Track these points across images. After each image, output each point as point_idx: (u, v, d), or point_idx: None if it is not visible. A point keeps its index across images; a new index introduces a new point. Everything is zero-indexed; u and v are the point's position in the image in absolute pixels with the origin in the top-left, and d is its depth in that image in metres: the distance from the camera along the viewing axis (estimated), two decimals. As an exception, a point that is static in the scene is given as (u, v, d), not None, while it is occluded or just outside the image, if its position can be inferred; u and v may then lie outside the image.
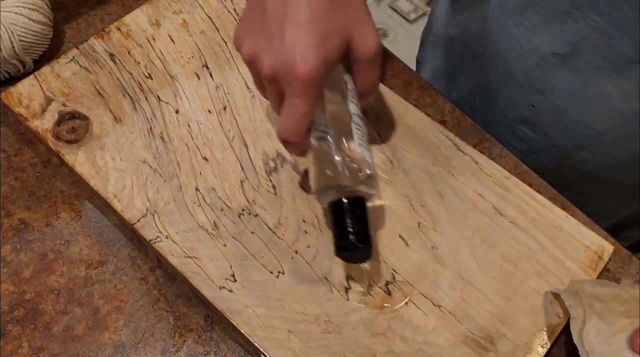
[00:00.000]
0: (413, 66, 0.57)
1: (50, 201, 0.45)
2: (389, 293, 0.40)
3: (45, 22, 0.49)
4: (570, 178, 0.55)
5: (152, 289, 0.42)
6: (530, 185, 0.46)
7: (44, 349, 0.40)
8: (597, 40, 0.45)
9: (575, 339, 0.36)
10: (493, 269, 0.41)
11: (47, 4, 0.50)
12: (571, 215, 0.44)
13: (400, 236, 0.42)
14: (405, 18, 1.57)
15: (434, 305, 0.40)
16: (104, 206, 0.44)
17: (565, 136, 0.54)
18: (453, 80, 0.64)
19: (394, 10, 1.58)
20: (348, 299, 0.40)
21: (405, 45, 1.52)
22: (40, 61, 0.51)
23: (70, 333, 0.40)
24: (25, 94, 0.47)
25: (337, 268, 0.41)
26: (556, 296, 0.39)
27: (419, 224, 0.43)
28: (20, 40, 0.47)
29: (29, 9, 0.47)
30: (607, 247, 0.42)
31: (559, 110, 0.52)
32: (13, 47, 0.47)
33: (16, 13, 0.47)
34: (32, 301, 0.41)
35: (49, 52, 0.51)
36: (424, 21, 1.55)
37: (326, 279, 0.40)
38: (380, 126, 0.47)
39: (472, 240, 0.42)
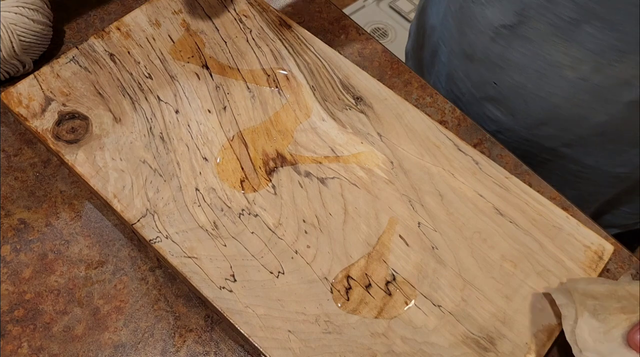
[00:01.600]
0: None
1: (50, 201, 0.45)
2: (389, 293, 0.40)
3: (45, 22, 0.49)
4: (539, 158, 0.56)
5: (152, 289, 0.42)
6: (530, 185, 0.46)
7: (44, 349, 0.40)
8: (540, 6, 0.46)
9: (568, 337, 0.36)
10: (493, 269, 0.41)
11: (47, 4, 0.50)
12: (572, 215, 0.44)
13: (400, 235, 0.42)
14: (405, 18, 1.57)
15: (434, 305, 0.40)
16: (104, 206, 0.44)
17: (527, 112, 0.54)
18: (431, 68, 0.66)
19: (394, 10, 1.58)
20: (349, 299, 0.40)
21: (405, 45, 1.53)
22: (40, 61, 0.51)
23: (70, 333, 0.40)
24: (25, 94, 0.47)
25: (337, 268, 0.41)
26: (549, 295, 0.39)
27: (419, 224, 0.43)
28: (20, 40, 0.47)
29: (29, 9, 0.47)
30: (607, 247, 0.42)
31: (519, 85, 0.52)
32: (13, 47, 0.47)
33: (16, 13, 0.47)
34: (32, 301, 0.41)
35: (49, 52, 0.51)
36: None
37: (326, 279, 0.40)
38: (380, 126, 0.47)
39: (472, 240, 0.42)
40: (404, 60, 0.56)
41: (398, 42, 1.51)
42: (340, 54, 0.51)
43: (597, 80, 0.47)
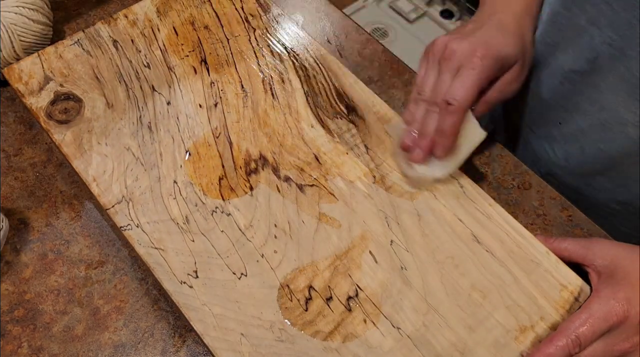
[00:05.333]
0: (413, 66, 0.56)
1: (50, 201, 0.46)
2: (349, 309, 0.39)
3: (45, 22, 0.49)
4: (588, 211, 0.54)
5: (152, 289, 0.42)
6: (530, 185, 0.45)
7: (44, 349, 0.40)
8: (612, 58, 0.45)
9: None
10: (460, 297, 0.40)
11: (47, 4, 0.50)
12: (572, 215, 0.42)
13: (370, 252, 0.41)
14: (405, 18, 1.56)
15: (393, 327, 0.39)
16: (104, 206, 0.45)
17: (582, 160, 0.53)
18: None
19: (394, 10, 1.57)
20: (307, 310, 0.39)
21: (405, 45, 1.52)
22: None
23: (70, 333, 0.40)
24: (27, 71, 0.48)
25: (301, 277, 0.40)
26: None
27: (391, 241, 0.42)
28: (20, 40, 0.48)
29: (29, 9, 0.48)
30: (584, 288, 0.40)
31: (579, 130, 0.51)
32: (13, 47, 0.48)
33: (16, 13, 0.47)
34: (32, 301, 0.41)
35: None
36: (424, 21, 1.55)
37: (288, 286, 0.40)
38: (368, 139, 0.46)
39: (443, 264, 0.41)
40: (404, 60, 0.55)
41: (398, 42, 1.50)
42: (340, 54, 0.51)
43: None
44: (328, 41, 0.56)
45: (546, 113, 0.54)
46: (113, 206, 0.42)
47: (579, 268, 0.41)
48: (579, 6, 0.46)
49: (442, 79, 0.42)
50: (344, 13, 0.58)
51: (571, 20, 0.47)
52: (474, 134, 0.43)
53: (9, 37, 0.47)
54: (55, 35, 0.53)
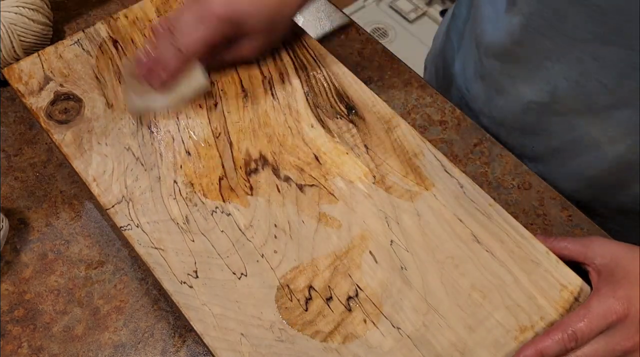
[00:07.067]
0: (413, 66, 0.56)
1: (50, 201, 0.46)
2: (349, 309, 0.39)
3: (45, 22, 0.49)
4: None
5: (152, 289, 0.42)
6: (530, 185, 0.45)
7: (44, 349, 0.40)
8: (570, 89, 0.45)
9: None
10: (460, 297, 0.40)
11: (47, 4, 0.50)
12: (571, 215, 0.42)
13: (370, 252, 0.41)
14: (405, 18, 1.56)
15: (393, 327, 0.39)
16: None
17: (567, 175, 0.53)
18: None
19: (394, 10, 1.58)
20: (307, 310, 0.39)
21: (405, 45, 1.52)
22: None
23: (70, 333, 0.40)
24: (26, 71, 0.48)
25: (301, 277, 0.40)
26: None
27: (391, 241, 0.42)
28: (20, 40, 0.48)
29: (29, 9, 0.48)
30: (584, 288, 0.40)
31: (557, 150, 0.51)
32: (13, 47, 0.48)
33: (16, 13, 0.47)
34: (32, 301, 0.41)
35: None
36: (423, 21, 1.56)
37: (288, 286, 0.40)
38: (368, 139, 0.46)
39: (443, 264, 0.41)
40: (404, 60, 0.55)
41: (398, 42, 1.50)
42: (340, 54, 0.51)
43: (633, 158, 0.46)
44: (328, 41, 0.56)
45: (515, 137, 0.54)
46: (113, 206, 0.42)
47: (579, 268, 0.41)
48: (531, 42, 0.46)
49: (185, 21, 0.43)
50: (344, 13, 0.58)
51: (526, 53, 0.48)
52: (196, 80, 0.46)
53: (9, 37, 0.47)
54: (55, 35, 0.53)
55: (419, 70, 0.73)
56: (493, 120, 0.56)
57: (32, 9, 0.48)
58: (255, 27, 0.45)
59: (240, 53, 0.47)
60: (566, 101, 0.47)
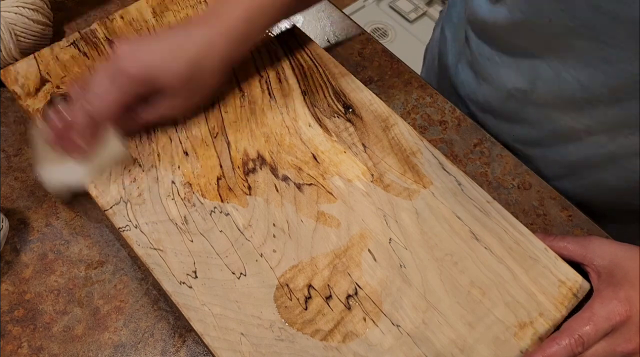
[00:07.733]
0: (413, 66, 0.56)
1: (50, 201, 0.45)
2: (348, 307, 0.39)
3: (45, 22, 0.49)
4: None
5: (152, 289, 0.42)
6: (530, 185, 0.45)
7: (44, 349, 0.40)
8: (550, 79, 0.45)
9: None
10: (460, 294, 0.40)
11: (47, 4, 0.50)
12: (571, 215, 0.42)
13: (369, 250, 0.41)
14: (405, 18, 1.56)
15: (393, 324, 0.39)
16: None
17: (547, 165, 0.53)
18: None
19: (394, 10, 1.58)
20: (306, 309, 0.39)
21: (405, 45, 1.52)
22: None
23: (70, 333, 0.40)
24: (23, 73, 0.48)
25: (300, 276, 0.40)
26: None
27: (390, 240, 0.42)
28: (20, 41, 0.48)
29: (29, 9, 0.48)
30: (583, 284, 0.40)
31: (537, 140, 0.51)
32: (13, 47, 0.48)
33: (16, 13, 0.47)
34: (32, 301, 0.41)
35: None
36: (423, 21, 1.56)
37: (287, 285, 0.40)
38: (366, 137, 0.46)
39: (442, 262, 0.41)
40: (404, 60, 0.55)
41: (398, 42, 1.50)
42: (340, 54, 0.51)
43: (612, 148, 0.46)
44: (328, 41, 0.56)
45: (500, 124, 0.55)
46: (111, 207, 0.42)
47: (579, 268, 0.41)
48: (516, 32, 0.46)
49: (97, 83, 0.40)
50: (344, 13, 0.58)
51: (511, 40, 0.48)
52: (113, 149, 0.42)
53: (9, 37, 0.47)
54: (56, 35, 0.52)
55: (419, 70, 0.74)
56: (480, 106, 0.56)
57: (32, 9, 0.48)
58: (170, 84, 0.41)
59: (158, 112, 0.44)
60: (544, 92, 0.47)
